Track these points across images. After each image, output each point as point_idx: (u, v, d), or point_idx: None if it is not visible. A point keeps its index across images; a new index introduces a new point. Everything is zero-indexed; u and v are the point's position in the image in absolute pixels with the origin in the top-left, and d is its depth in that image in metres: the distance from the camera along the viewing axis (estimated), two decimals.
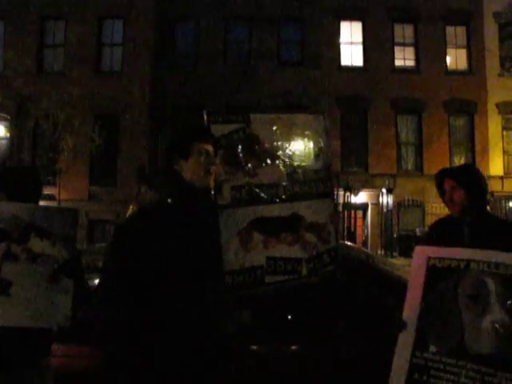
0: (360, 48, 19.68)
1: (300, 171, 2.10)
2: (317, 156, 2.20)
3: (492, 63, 19.11)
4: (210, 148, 1.86)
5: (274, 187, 2.02)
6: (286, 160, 2.07)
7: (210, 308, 1.75)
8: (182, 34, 19.59)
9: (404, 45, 19.74)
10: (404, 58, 19.70)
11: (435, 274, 2.00)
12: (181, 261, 1.71)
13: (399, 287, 2.82)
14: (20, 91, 17.35)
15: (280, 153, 2.07)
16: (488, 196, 2.54)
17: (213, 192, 1.88)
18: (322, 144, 2.25)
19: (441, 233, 2.48)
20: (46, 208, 2.07)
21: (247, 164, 1.99)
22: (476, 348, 1.79)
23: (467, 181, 2.40)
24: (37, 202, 2.18)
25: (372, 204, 18.75)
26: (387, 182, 18.13)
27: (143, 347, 1.65)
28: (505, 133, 19.43)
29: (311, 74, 18.86)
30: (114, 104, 17.73)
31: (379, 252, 17.06)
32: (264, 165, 2.01)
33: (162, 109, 18.14)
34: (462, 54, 19.70)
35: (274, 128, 2.09)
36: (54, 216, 1.98)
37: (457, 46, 19.71)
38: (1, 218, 1.89)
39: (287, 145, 2.10)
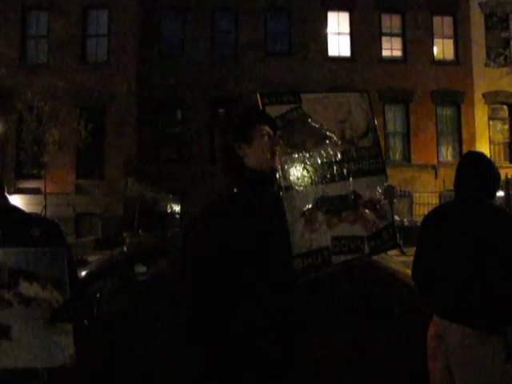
0: (347, 38, 19.63)
1: (352, 149, 2.09)
2: (366, 133, 2.22)
3: (478, 53, 19.19)
4: (269, 129, 1.81)
5: (331, 166, 2.01)
6: (338, 138, 2.06)
7: (284, 298, 1.71)
8: (167, 24, 19.36)
9: (391, 35, 19.73)
10: (391, 48, 19.70)
11: None
12: (255, 250, 1.67)
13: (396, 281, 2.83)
14: (3, 83, 17.02)
15: (331, 131, 2.06)
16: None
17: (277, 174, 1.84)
18: (370, 121, 2.26)
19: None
20: (27, 250, 1.96)
21: (303, 144, 1.95)
22: None
23: None
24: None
25: None
26: None
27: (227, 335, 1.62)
28: (491, 122, 19.58)
29: (298, 65, 18.77)
30: (100, 96, 17.48)
31: None
32: (318, 144, 2.00)
33: (148, 100, 17.95)
34: (449, 43, 19.77)
35: (324, 107, 2.09)
36: (40, 258, 1.90)
37: (443, 36, 19.76)
38: None
39: (337, 123, 2.09)
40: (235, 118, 1.86)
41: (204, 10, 19.01)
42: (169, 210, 17.79)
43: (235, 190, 1.74)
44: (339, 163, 2.06)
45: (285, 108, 1.98)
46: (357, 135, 2.18)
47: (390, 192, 2.23)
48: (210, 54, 19.05)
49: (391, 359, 2.59)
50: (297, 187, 1.89)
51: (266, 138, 1.78)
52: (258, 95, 1.99)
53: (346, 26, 19.66)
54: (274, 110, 1.93)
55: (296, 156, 1.95)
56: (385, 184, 2.17)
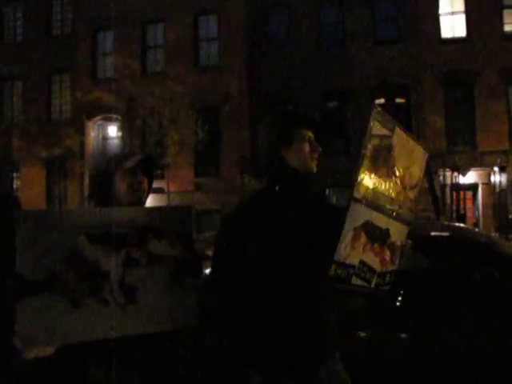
0: (462, 17, 18.43)
1: (402, 194, 2.17)
2: (415, 186, 2.29)
3: None
4: (311, 135, 1.83)
5: (389, 200, 2.13)
6: (399, 180, 2.17)
7: (321, 297, 1.79)
8: (273, 21, 19.69)
9: None
10: None
11: None
12: (293, 249, 1.73)
13: None
14: (128, 92, 18.59)
15: (399, 171, 2.18)
16: None
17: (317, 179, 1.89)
18: (421, 176, 2.33)
19: None
20: (160, 208, 2.04)
21: (379, 169, 2.07)
22: None
23: None
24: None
25: (483, 184, 17.61)
26: (499, 160, 16.92)
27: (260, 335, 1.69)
28: None
29: (409, 51, 18.05)
30: (214, 97, 18.37)
31: (493, 235, 16.04)
32: (388, 176, 2.13)
33: (259, 97, 18.43)
34: None
35: (403, 147, 2.21)
36: (168, 216, 1.92)
37: None
38: (120, 222, 1.81)
39: (404, 167, 2.19)
40: (280, 120, 1.88)
41: (309, 3, 19.03)
42: None
43: (277, 189, 1.79)
44: (392, 200, 2.15)
45: (383, 131, 2.06)
46: (409, 185, 2.24)
47: (406, 249, 2.22)
48: (317, 47, 19.05)
49: None
50: (362, 203, 1.95)
51: (307, 143, 1.80)
52: (374, 107, 2.01)
53: (460, 5, 18.47)
54: (377, 128, 2.00)
55: (372, 176, 2.00)
56: (406, 240, 2.20)
